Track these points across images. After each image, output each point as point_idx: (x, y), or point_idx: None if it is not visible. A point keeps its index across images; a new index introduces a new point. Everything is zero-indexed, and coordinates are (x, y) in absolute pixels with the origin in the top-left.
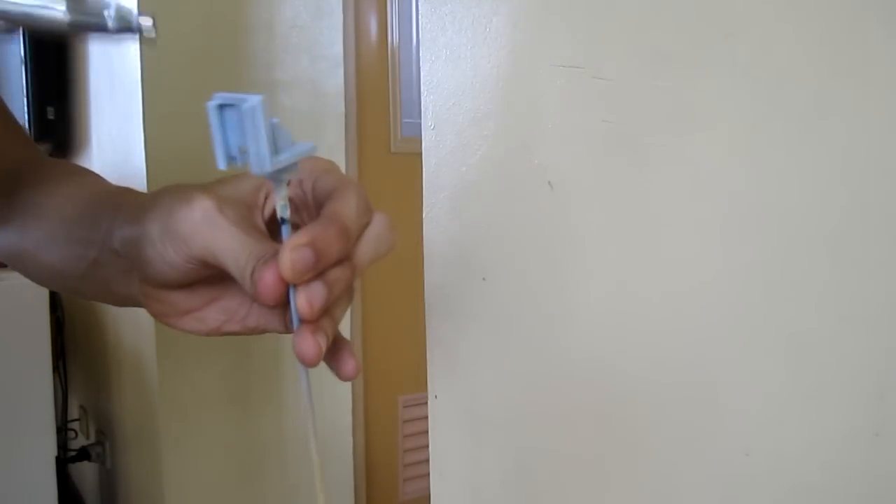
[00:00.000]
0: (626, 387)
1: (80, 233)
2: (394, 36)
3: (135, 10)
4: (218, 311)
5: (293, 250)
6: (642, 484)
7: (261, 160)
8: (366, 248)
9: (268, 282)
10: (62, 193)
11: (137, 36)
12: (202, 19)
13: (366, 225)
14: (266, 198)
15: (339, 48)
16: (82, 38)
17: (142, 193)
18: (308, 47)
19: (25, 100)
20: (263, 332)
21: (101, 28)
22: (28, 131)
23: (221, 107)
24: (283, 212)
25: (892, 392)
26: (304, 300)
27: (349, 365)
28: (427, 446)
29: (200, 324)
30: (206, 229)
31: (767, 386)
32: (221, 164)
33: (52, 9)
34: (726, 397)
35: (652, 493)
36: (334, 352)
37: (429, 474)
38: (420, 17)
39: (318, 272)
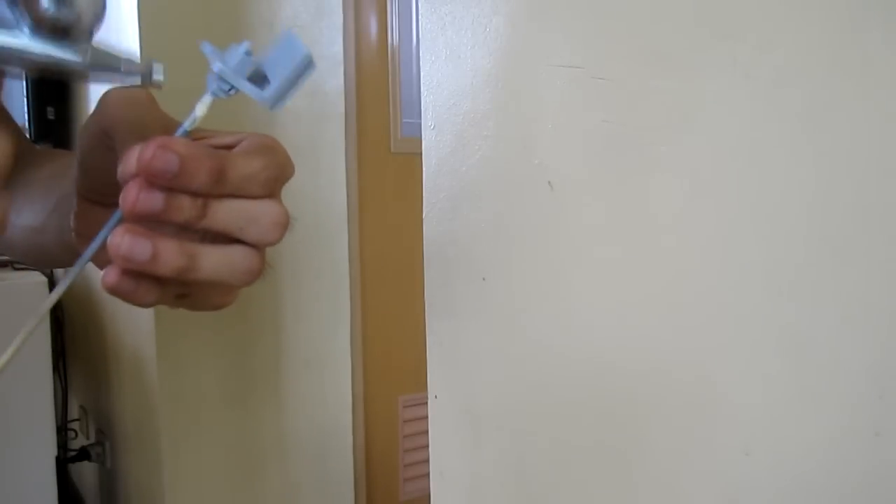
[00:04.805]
0: (625, 387)
1: (51, 184)
2: (394, 36)
3: (140, 53)
4: None
5: (162, 147)
6: (642, 483)
7: (226, 64)
8: (234, 209)
9: (129, 160)
10: (47, 165)
11: (144, 81)
12: (202, 19)
13: (257, 195)
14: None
15: (339, 48)
16: (96, 80)
17: None
18: (308, 47)
19: (25, 100)
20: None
21: (113, 72)
22: (27, 130)
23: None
24: (191, 123)
25: (892, 392)
26: (131, 190)
27: (108, 274)
28: (427, 446)
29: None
30: (125, 104)
31: (767, 386)
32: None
33: (64, 58)
34: (726, 397)
35: (652, 492)
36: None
37: (429, 474)
38: (420, 17)
39: (170, 187)
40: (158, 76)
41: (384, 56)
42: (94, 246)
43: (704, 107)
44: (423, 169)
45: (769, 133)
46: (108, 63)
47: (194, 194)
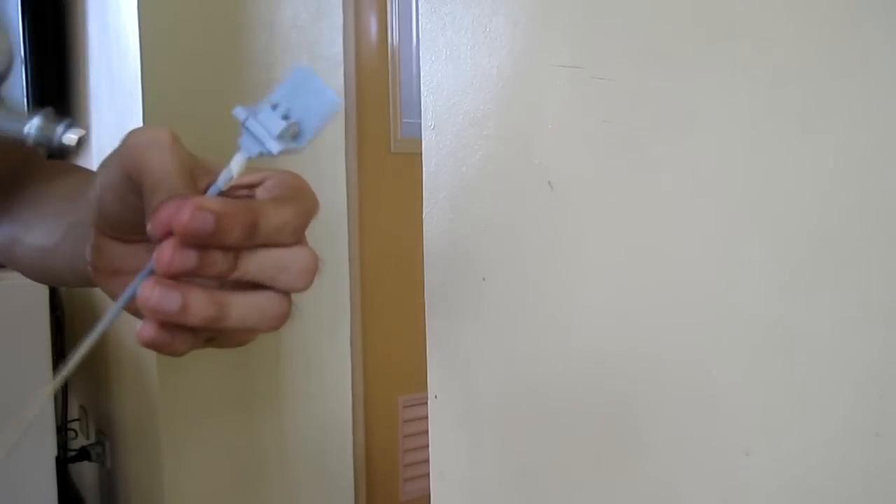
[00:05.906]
0: (625, 387)
1: (64, 206)
2: (394, 36)
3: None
4: None
5: (198, 209)
6: (642, 483)
7: (264, 133)
8: (265, 260)
9: (161, 218)
10: (58, 182)
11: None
12: (202, 19)
13: (287, 243)
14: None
15: (339, 48)
16: None
17: None
18: (308, 47)
19: (25, 100)
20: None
21: (19, 140)
22: None
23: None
24: (226, 181)
25: (892, 392)
26: (165, 250)
27: (145, 329)
28: (427, 446)
29: (121, 289)
30: (149, 149)
31: (767, 385)
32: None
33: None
34: (726, 397)
35: (652, 492)
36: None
37: (429, 474)
38: (420, 17)
39: (204, 245)
40: (70, 136)
41: (384, 56)
42: (121, 303)
43: (704, 107)
44: (423, 169)
45: (769, 133)
46: (11, 122)
47: (227, 248)
